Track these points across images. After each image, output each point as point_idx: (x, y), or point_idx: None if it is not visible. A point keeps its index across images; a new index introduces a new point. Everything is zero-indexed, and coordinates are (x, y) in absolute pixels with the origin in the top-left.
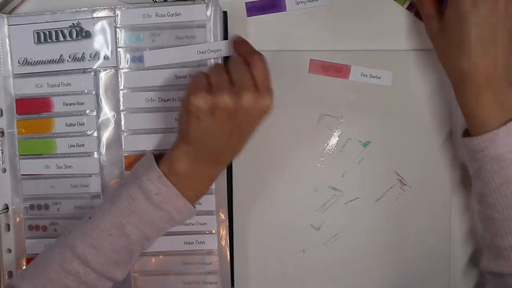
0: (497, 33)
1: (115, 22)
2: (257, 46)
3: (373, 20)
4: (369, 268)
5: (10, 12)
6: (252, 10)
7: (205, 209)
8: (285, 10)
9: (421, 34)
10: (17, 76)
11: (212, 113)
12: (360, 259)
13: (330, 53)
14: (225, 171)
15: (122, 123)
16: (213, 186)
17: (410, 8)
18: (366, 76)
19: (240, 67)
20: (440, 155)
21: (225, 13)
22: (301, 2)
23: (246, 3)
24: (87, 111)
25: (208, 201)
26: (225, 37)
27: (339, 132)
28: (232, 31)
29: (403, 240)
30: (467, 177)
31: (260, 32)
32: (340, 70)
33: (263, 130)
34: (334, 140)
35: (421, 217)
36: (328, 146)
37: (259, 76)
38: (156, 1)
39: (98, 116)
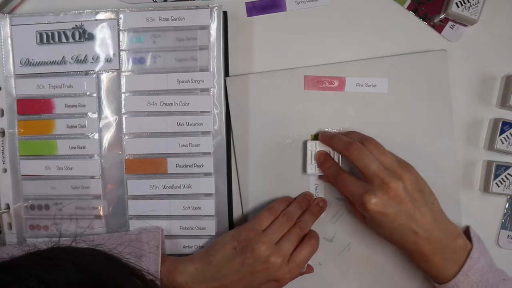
0: (414, 211)
1: (118, 25)
2: (257, 46)
3: (373, 20)
4: (385, 272)
5: (10, 12)
6: (252, 10)
7: (205, 214)
8: (285, 10)
9: (421, 34)
10: (18, 76)
11: (243, 251)
12: (376, 264)
13: (324, 67)
14: (225, 178)
15: (124, 126)
16: (213, 198)
17: (410, 8)
18: (361, 85)
19: (293, 235)
20: (443, 157)
21: (225, 13)
22: (301, 2)
23: (246, 3)
24: (89, 114)
25: (208, 206)
26: (225, 37)
27: None
28: (232, 31)
29: None
30: (472, 176)
31: (259, 33)
32: (335, 83)
33: (266, 150)
34: (335, 152)
35: None
36: None
37: (301, 253)
38: (156, 1)
39: (99, 118)
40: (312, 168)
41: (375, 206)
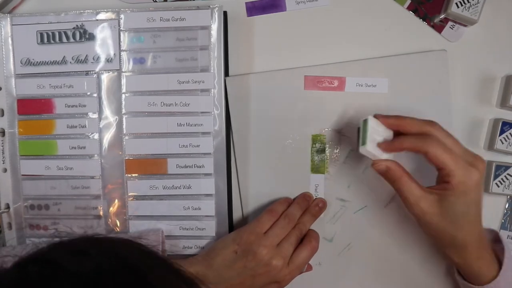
0: (479, 203)
1: (119, 25)
2: (257, 46)
3: (373, 20)
4: (385, 272)
5: (10, 12)
6: (252, 10)
7: (205, 215)
8: (285, 10)
9: (421, 34)
10: (19, 76)
11: (244, 254)
12: (376, 264)
13: (324, 67)
14: (225, 179)
15: (124, 126)
16: (213, 199)
17: (410, 8)
18: (361, 85)
19: (293, 236)
20: None
21: (225, 13)
22: (301, 2)
23: (246, 3)
24: (89, 114)
25: (208, 206)
26: (226, 37)
27: (341, 144)
28: (232, 31)
29: (415, 241)
30: None
31: (259, 33)
32: (335, 83)
33: (266, 150)
34: (336, 153)
35: None
36: (331, 159)
37: (301, 255)
38: (156, 1)
39: (100, 118)
40: (372, 147)
41: (460, 184)
